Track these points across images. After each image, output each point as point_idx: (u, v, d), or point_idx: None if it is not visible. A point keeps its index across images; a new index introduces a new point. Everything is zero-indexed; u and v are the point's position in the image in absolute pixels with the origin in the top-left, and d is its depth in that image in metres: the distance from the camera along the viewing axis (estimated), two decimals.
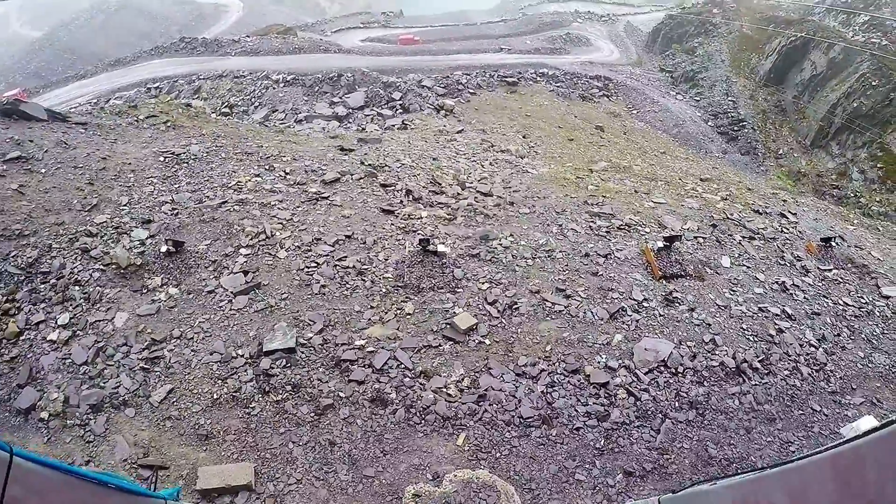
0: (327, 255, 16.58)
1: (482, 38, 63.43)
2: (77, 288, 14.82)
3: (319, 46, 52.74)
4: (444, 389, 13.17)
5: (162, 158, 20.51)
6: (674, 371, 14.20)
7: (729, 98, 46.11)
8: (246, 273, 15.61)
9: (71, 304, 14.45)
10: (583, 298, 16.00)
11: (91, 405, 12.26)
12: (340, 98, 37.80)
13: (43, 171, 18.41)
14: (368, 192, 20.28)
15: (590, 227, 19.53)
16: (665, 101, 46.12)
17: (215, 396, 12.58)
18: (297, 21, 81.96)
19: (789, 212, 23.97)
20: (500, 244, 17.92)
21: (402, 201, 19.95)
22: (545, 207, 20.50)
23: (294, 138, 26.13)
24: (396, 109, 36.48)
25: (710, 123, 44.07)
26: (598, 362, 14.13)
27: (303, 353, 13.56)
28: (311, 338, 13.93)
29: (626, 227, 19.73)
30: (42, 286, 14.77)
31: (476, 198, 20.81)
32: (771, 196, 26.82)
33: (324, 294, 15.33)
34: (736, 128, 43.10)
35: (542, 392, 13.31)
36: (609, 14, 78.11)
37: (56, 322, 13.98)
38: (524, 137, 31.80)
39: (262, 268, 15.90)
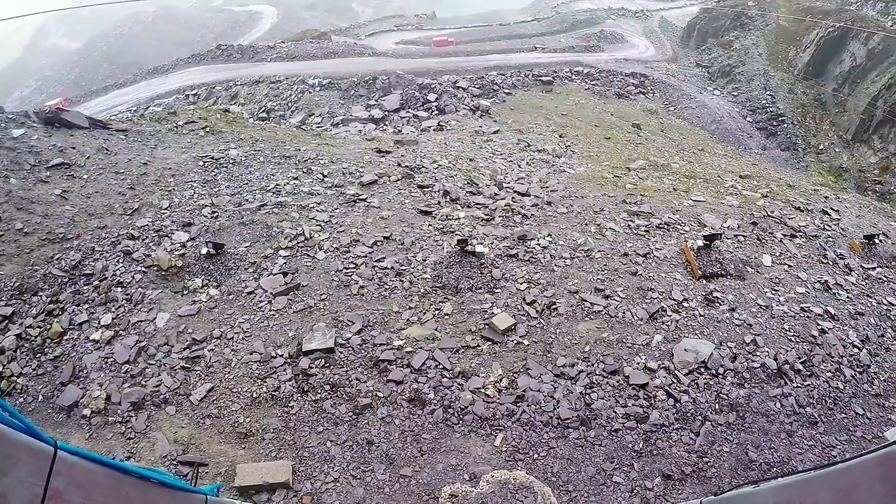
0: (365, 257, 16.70)
1: (515, 37, 63.20)
2: (119, 289, 15.19)
3: (354, 50, 53.16)
4: (482, 390, 13.11)
5: (201, 163, 20.96)
6: (714, 372, 13.86)
7: (767, 92, 44.94)
8: (285, 274, 15.82)
9: (113, 305, 14.81)
10: (622, 298, 15.79)
11: (132, 403, 12.54)
12: (376, 101, 38.03)
13: (85, 176, 18.94)
14: (406, 193, 20.39)
15: (628, 226, 19.27)
16: (702, 97, 45.26)
17: (254, 395, 12.75)
18: (330, 26, 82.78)
19: (831, 208, 23.19)
20: (538, 244, 17.82)
21: (439, 202, 20.01)
22: (583, 207, 20.31)
23: (331, 141, 26.40)
24: (432, 111, 36.53)
25: (748, 119, 43.06)
26: (638, 363, 13.90)
27: (341, 353, 13.66)
28: (349, 338, 14.02)
29: (665, 226, 19.41)
30: (85, 288, 15.17)
31: (513, 198, 20.73)
32: (812, 192, 26.05)
33: (362, 295, 15.43)
34: (775, 123, 42.02)
35: (580, 393, 13.15)
36: (642, 10, 76.99)
37: (99, 322, 14.34)
38: (560, 137, 31.52)
39: (301, 269, 16.10)
